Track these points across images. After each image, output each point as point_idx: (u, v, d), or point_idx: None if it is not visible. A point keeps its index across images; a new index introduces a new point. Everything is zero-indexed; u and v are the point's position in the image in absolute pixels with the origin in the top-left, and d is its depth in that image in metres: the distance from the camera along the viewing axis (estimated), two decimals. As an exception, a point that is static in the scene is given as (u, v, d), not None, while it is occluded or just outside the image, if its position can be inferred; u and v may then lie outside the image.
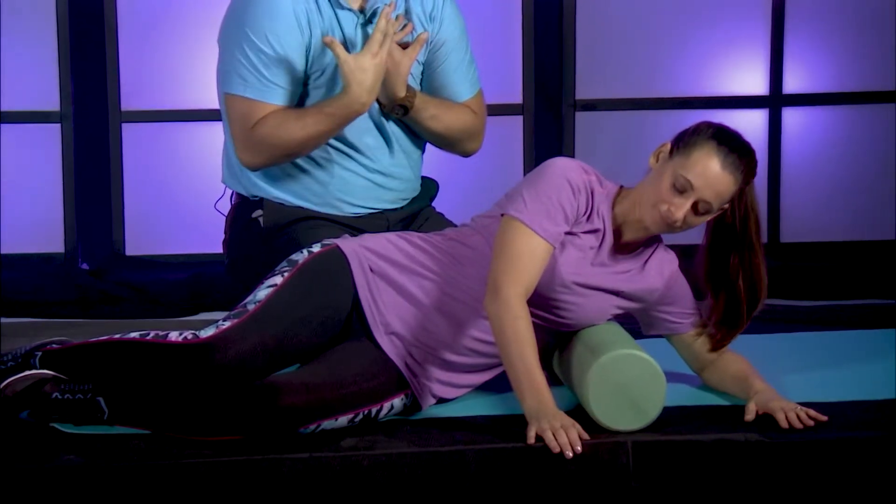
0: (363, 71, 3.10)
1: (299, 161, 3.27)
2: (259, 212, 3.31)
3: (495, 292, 2.85)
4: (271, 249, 3.24)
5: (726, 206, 2.92)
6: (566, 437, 2.70)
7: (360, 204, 3.33)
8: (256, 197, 3.33)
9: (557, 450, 2.69)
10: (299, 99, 3.24)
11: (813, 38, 5.13)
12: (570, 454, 2.69)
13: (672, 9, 5.10)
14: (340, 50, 3.10)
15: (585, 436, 2.73)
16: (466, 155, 3.51)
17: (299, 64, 3.19)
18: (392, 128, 3.33)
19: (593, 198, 2.95)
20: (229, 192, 3.44)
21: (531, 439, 2.72)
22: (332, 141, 3.25)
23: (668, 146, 2.93)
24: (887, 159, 5.15)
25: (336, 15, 3.22)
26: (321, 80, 3.24)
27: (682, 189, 2.86)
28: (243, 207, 3.36)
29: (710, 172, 2.85)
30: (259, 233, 3.30)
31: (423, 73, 3.37)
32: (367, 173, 3.32)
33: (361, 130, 3.28)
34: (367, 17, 3.23)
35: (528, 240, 2.88)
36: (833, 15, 5.12)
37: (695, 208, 2.87)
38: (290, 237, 3.24)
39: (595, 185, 2.96)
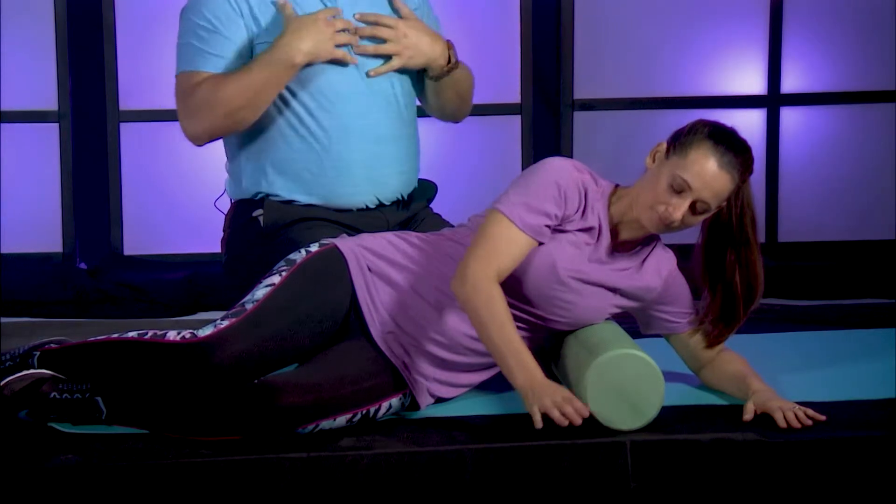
0: (301, 22, 3.14)
1: (293, 144, 3.26)
2: (259, 211, 3.31)
3: (462, 275, 2.86)
4: (270, 249, 3.23)
5: (723, 203, 2.92)
6: (571, 408, 2.73)
7: (357, 186, 3.31)
8: (258, 196, 3.32)
9: (566, 424, 2.71)
10: None
11: (811, 37, 5.13)
12: (580, 421, 2.71)
13: (670, 8, 5.10)
14: (290, 10, 3.14)
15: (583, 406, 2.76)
16: (459, 119, 3.57)
17: (238, 35, 3.21)
18: (386, 102, 3.33)
19: (587, 196, 2.95)
20: (227, 192, 3.44)
21: (538, 422, 2.72)
22: (324, 120, 3.25)
23: (664, 146, 2.92)
24: (886, 159, 5.15)
25: None
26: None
27: (679, 190, 2.86)
28: (243, 206, 3.35)
29: (708, 173, 2.85)
30: (258, 232, 3.30)
31: None
32: (364, 146, 3.30)
33: (350, 99, 3.28)
34: None
35: (503, 228, 2.89)
36: (831, 14, 5.12)
37: (693, 208, 2.87)
38: (288, 237, 3.24)
39: (589, 183, 2.96)
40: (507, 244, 2.89)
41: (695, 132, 2.89)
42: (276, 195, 3.30)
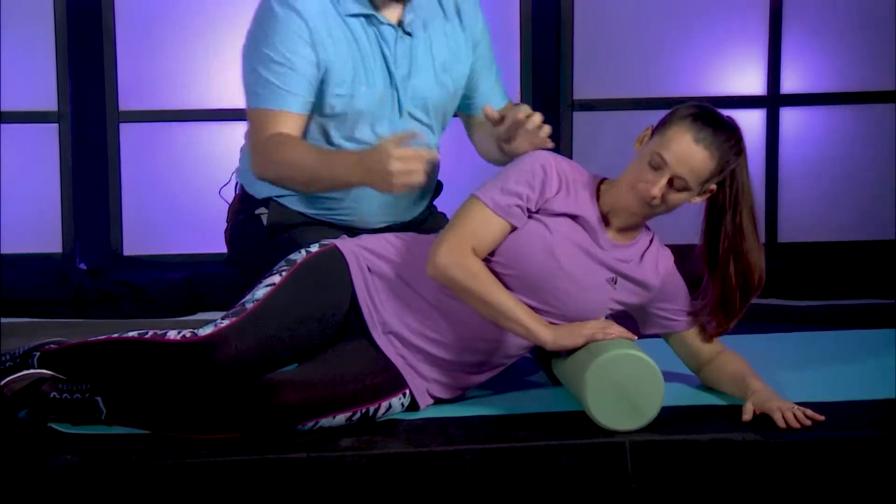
0: (375, 164, 2.93)
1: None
2: (263, 209, 3.31)
3: (435, 256, 2.90)
4: (272, 248, 3.23)
5: (713, 186, 2.93)
6: (616, 330, 2.89)
7: (374, 216, 3.29)
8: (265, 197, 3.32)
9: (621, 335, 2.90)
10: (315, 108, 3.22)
11: (811, 37, 5.13)
12: (637, 336, 2.93)
13: (670, 8, 5.10)
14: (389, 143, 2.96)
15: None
16: None
17: (307, 69, 3.16)
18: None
19: (568, 182, 2.97)
20: (235, 180, 3.43)
21: (599, 337, 2.89)
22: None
23: (650, 130, 2.97)
24: (886, 159, 5.15)
25: (377, 32, 3.20)
26: (342, 89, 3.20)
27: (656, 166, 2.89)
28: (248, 201, 3.35)
29: (683, 148, 2.87)
30: (261, 230, 3.30)
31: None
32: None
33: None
34: (406, 31, 3.21)
35: (475, 210, 2.93)
36: (831, 14, 5.12)
37: (671, 185, 2.89)
38: (290, 237, 3.24)
39: (570, 172, 2.99)
40: (478, 224, 2.93)
41: (676, 112, 2.93)
42: (291, 208, 3.30)
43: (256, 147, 3.19)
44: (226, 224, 3.45)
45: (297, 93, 3.17)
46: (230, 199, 3.45)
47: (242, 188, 3.40)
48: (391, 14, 3.22)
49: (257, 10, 3.24)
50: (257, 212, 3.31)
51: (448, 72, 3.29)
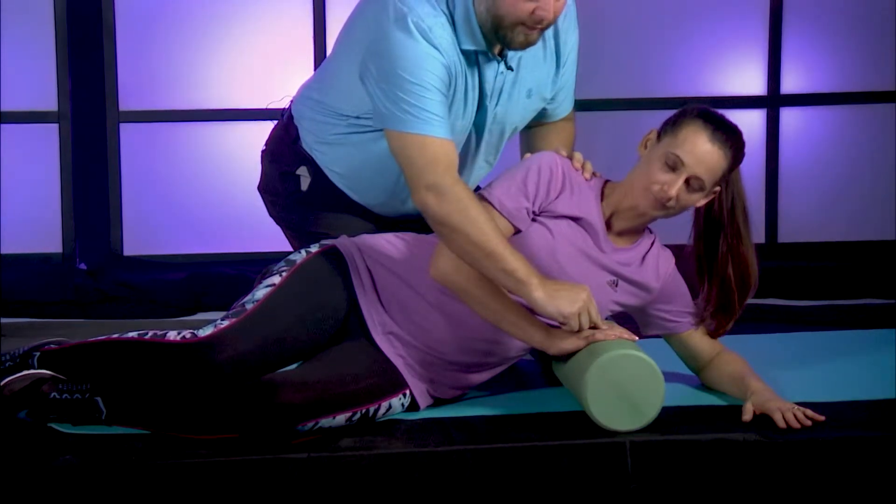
0: (557, 304, 2.85)
1: (375, 176, 3.18)
2: (305, 171, 3.27)
3: (435, 259, 2.91)
4: (298, 215, 3.26)
5: (717, 188, 2.94)
6: (616, 331, 2.88)
7: (409, 213, 3.25)
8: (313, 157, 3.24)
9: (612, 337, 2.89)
10: None
11: (811, 37, 5.13)
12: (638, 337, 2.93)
13: (669, 9, 5.10)
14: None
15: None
16: None
17: (445, 93, 3.02)
18: (478, 169, 3.29)
19: (572, 183, 2.97)
20: (286, 106, 3.32)
21: (580, 345, 2.87)
22: None
23: (655, 132, 2.96)
24: (886, 159, 5.15)
25: (479, 67, 3.10)
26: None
27: (673, 166, 2.89)
28: (296, 148, 3.26)
29: (700, 148, 2.88)
30: (294, 191, 3.26)
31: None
32: None
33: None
34: (508, 66, 3.12)
35: None
36: (831, 15, 5.12)
37: (687, 185, 2.89)
38: (322, 214, 3.23)
39: (574, 173, 3.00)
40: None
41: (685, 114, 2.95)
42: (335, 185, 3.25)
43: (422, 174, 2.94)
44: (265, 146, 3.36)
45: (444, 116, 2.99)
46: (276, 119, 3.35)
47: (295, 126, 3.26)
48: (496, 48, 3.10)
49: (383, 36, 2.99)
50: (298, 171, 3.27)
51: (532, 97, 3.21)
